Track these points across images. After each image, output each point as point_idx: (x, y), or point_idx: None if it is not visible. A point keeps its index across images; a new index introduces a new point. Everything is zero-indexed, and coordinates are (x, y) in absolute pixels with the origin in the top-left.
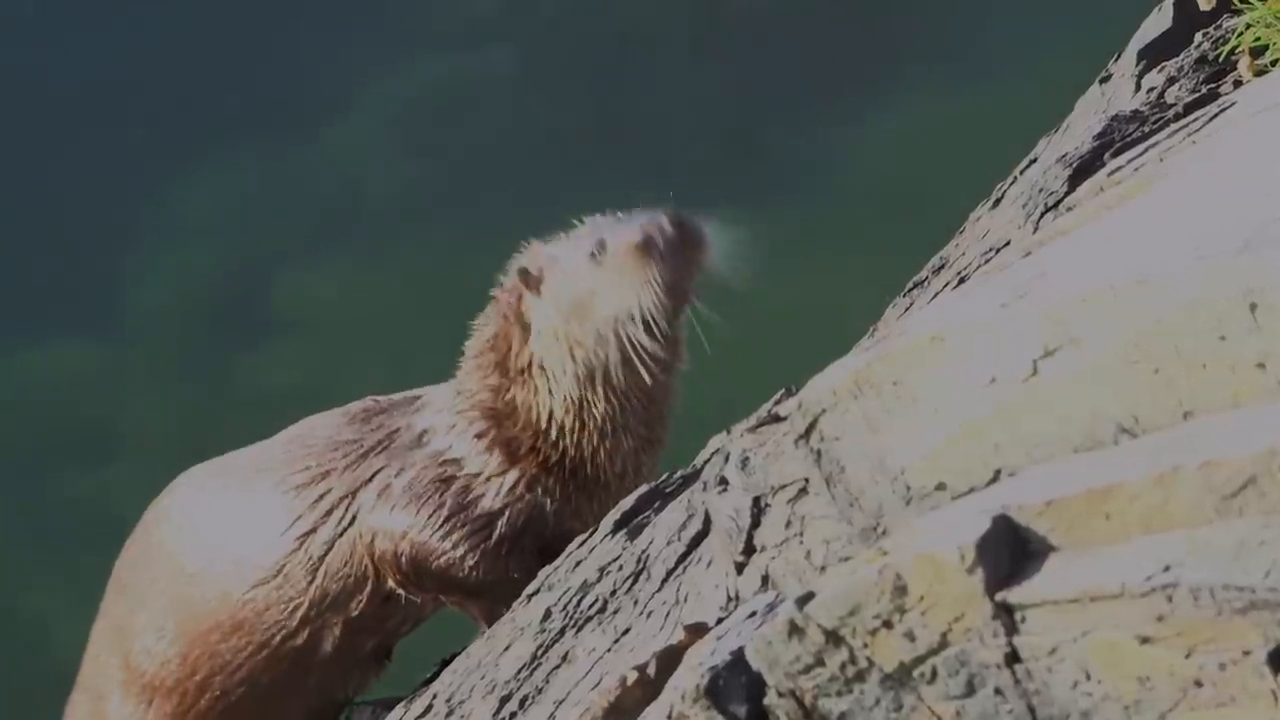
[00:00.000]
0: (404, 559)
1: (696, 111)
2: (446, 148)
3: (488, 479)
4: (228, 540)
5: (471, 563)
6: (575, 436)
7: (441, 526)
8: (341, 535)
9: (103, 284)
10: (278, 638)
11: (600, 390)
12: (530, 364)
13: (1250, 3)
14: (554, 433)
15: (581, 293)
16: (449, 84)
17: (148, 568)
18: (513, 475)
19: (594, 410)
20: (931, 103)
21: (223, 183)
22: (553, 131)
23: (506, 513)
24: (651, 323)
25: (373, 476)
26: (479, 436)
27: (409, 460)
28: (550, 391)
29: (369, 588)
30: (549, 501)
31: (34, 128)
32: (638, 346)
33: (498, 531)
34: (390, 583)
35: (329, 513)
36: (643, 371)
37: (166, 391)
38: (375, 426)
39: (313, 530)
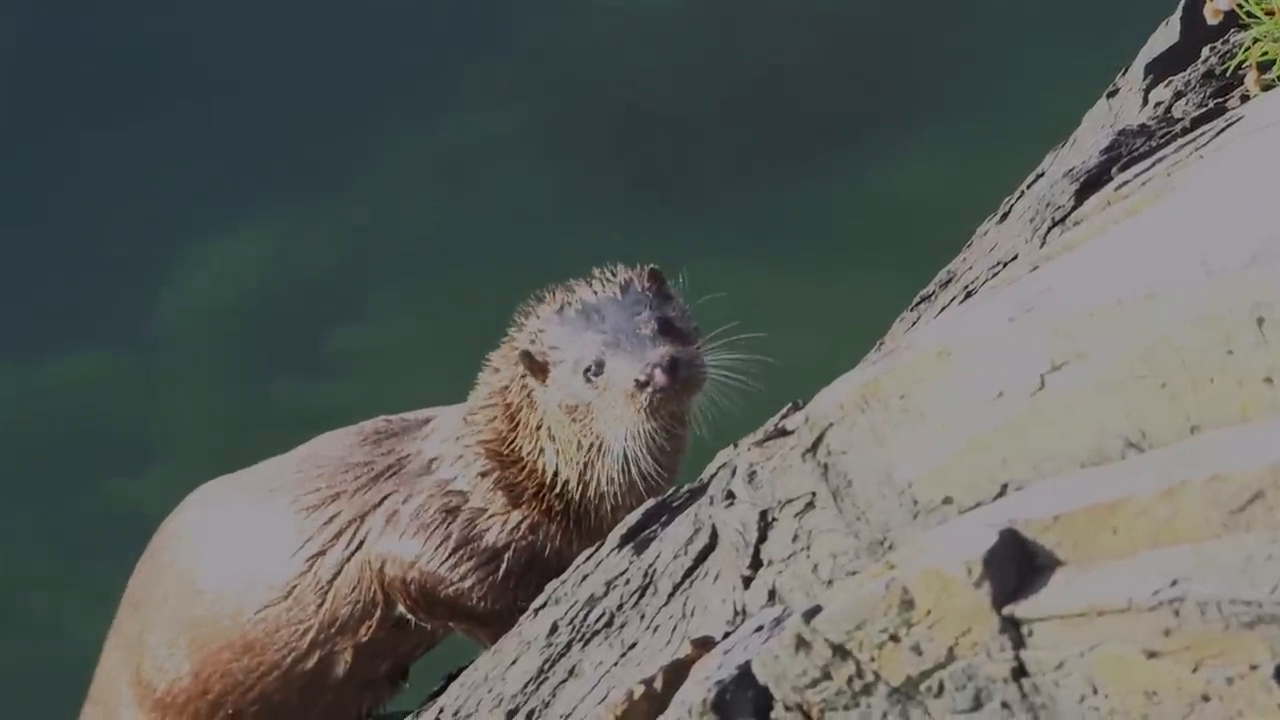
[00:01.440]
0: (413, 586)
1: (707, 160)
2: (470, 201)
3: (491, 516)
4: (239, 559)
5: (480, 593)
6: (579, 493)
7: (450, 557)
8: (350, 559)
9: (138, 303)
10: (289, 659)
11: (605, 462)
12: (539, 426)
13: (1257, 17)
14: (558, 486)
15: (580, 405)
16: (471, 142)
17: (160, 584)
18: (516, 516)
19: (599, 475)
20: (942, 136)
21: (262, 223)
22: (568, 183)
23: (512, 548)
24: (642, 451)
25: (381, 501)
26: (483, 475)
27: (417, 487)
28: (557, 452)
29: (378, 613)
30: (550, 546)
31: (92, 159)
32: (635, 459)
33: (504, 565)
34: (400, 608)
35: (338, 535)
36: (644, 467)
37: (198, 405)
38: (386, 450)
39: (322, 553)
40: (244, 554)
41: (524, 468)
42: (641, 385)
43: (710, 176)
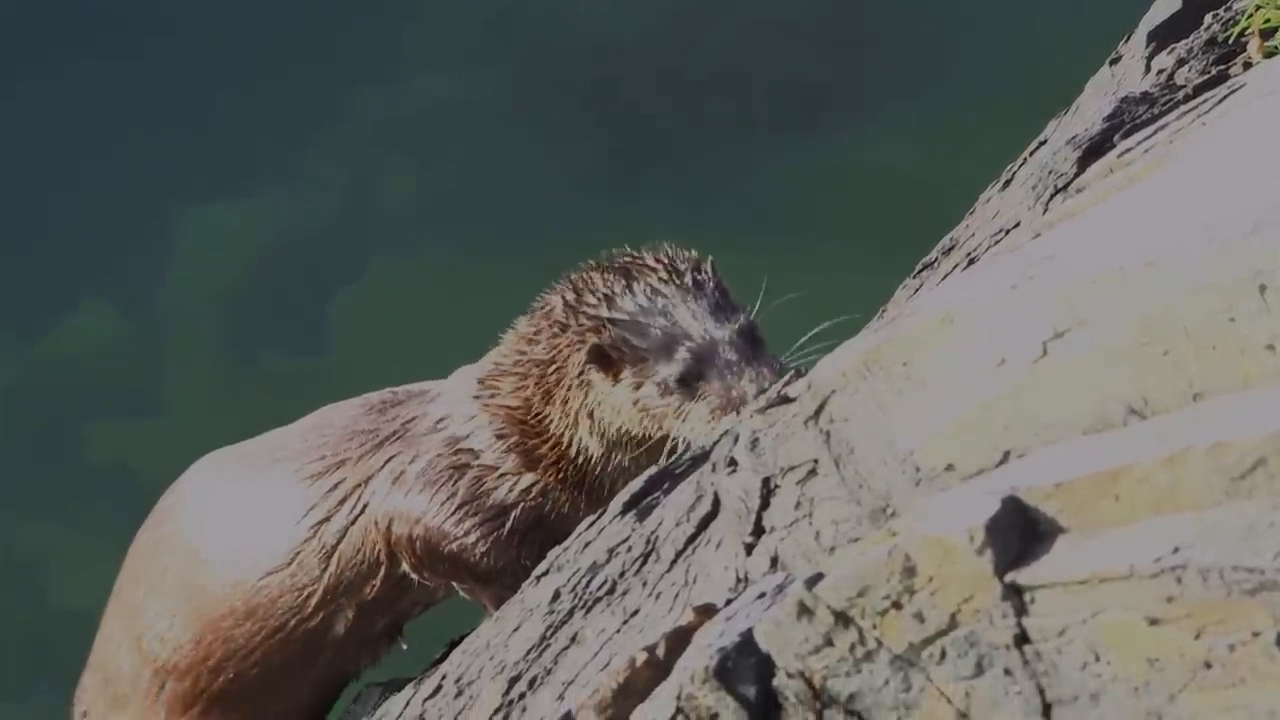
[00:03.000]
0: (418, 543)
1: (685, 128)
2: (438, 167)
3: (502, 475)
4: (242, 528)
5: (483, 550)
6: (601, 467)
7: (455, 513)
8: (354, 523)
9: (137, 269)
10: (291, 622)
11: (640, 448)
12: (580, 408)
13: None
14: (580, 460)
15: (661, 409)
16: (438, 106)
17: (161, 554)
18: (528, 479)
19: (627, 455)
20: (932, 109)
21: (252, 190)
22: (539, 152)
23: (519, 508)
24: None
25: (386, 463)
26: (500, 437)
27: (423, 446)
28: (590, 433)
29: (382, 572)
30: (557, 512)
31: (98, 129)
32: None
33: (509, 523)
34: (405, 566)
35: (343, 501)
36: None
37: (195, 368)
38: (391, 418)
39: (327, 519)
40: (247, 523)
41: (546, 439)
42: (740, 409)
43: (692, 144)
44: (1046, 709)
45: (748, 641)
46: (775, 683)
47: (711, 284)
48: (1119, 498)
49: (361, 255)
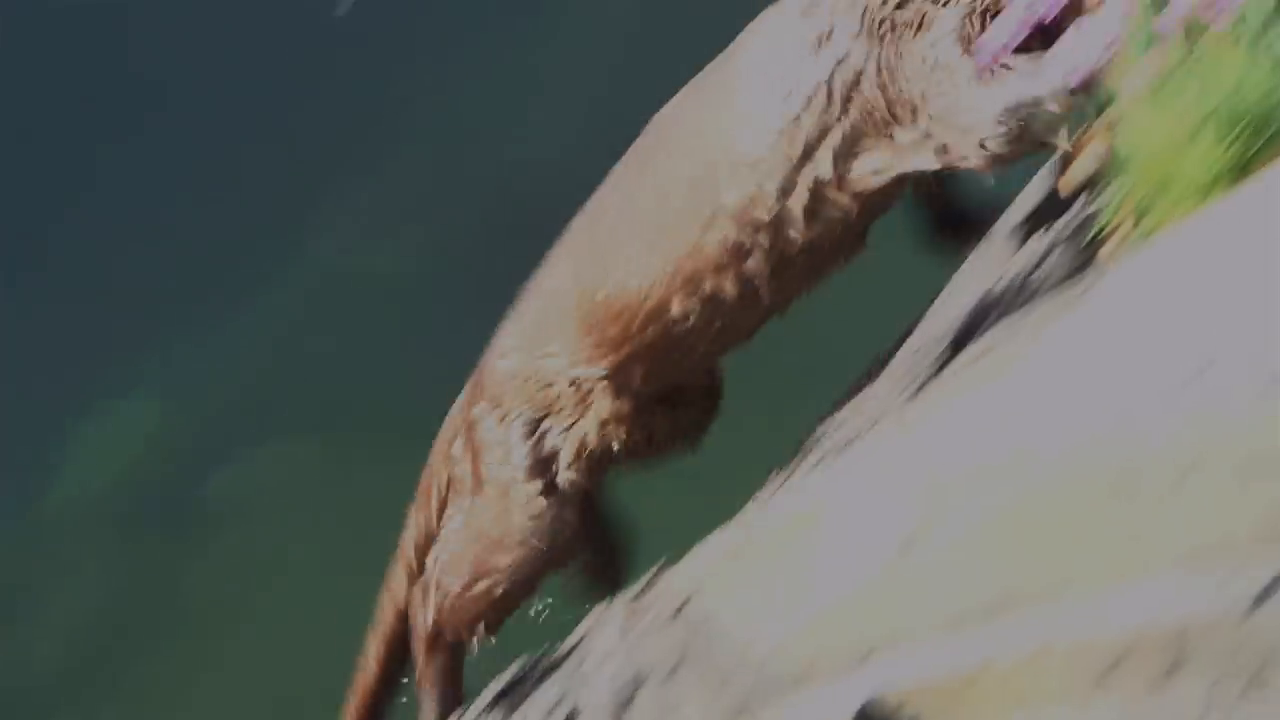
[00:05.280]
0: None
1: None
2: (354, 342)
3: None
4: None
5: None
6: None
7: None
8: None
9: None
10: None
11: None
12: None
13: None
14: None
15: None
16: (351, 276)
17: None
18: None
19: None
20: None
21: (147, 381)
22: (455, 318)
23: None
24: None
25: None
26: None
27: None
28: None
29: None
30: None
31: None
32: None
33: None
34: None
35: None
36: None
37: (81, 567)
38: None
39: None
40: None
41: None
42: None
43: None
44: None
45: None
46: None
47: None
48: (981, 697)
49: (252, 440)
